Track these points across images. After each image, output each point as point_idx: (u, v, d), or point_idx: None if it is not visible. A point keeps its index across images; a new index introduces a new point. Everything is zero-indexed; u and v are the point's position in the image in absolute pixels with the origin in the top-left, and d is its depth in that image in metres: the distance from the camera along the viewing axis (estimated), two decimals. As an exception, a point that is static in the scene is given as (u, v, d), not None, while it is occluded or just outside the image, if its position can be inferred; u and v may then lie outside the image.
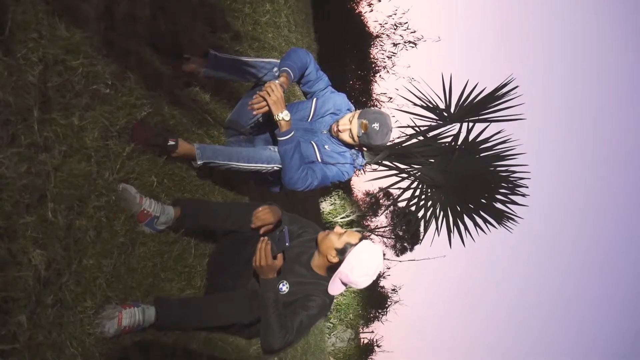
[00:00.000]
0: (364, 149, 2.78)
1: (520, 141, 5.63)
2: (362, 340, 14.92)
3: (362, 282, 2.29)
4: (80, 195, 1.66)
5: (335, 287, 2.29)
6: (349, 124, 2.52)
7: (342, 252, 2.21)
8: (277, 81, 2.30)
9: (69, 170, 1.59)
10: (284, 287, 2.25)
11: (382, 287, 14.71)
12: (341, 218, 10.60)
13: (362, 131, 2.48)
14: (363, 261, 2.21)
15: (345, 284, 2.30)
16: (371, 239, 2.51)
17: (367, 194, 12.90)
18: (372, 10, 12.58)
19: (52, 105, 1.53)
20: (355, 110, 2.65)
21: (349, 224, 10.89)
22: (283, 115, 2.28)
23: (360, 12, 12.13)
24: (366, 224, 13.02)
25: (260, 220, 2.26)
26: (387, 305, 13.70)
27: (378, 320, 14.01)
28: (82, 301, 1.66)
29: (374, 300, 12.97)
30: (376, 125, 2.47)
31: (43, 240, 1.46)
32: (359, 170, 2.88)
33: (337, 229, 2.30)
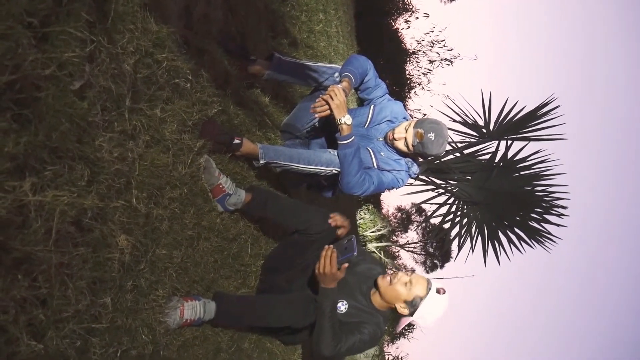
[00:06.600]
0: (419, 158, 2.78)
1: (560, 161, 5.57)
2: (387, 356, 14.74)
3: (433, 325, 2.36)
4: (159, 185, 1.69)
5: (400, 326, 2.41)
6: (405, 133, 2.51)
7: (412, 305, 2.23)
8: (339, 85, 2.31)
9: (151, 159, 1.63)
10: (343, 307, 2.25)
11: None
12: (371, 232, 10.55)
13: (417, 140, 2.46)
14: (433, 311, 2.25)
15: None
16: (435, 284, 2.51)
17: (399, 209, 12.79)
18: (408, 27, 12.64)
19: (140, 96, 1.58)
20: (412, 119, 2.65)
21: (379, 239, 10.85)
22: (345, 119, 2.29)
23: (397, 28, 12.18)
24: (395, 239, 12.93)
25: (339, 221, 2.28)
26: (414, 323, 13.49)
27: (404, 338, 13.82)
28: (155, 290, 1.68)
29: (401, 317, 12.80)
30: (432, 135, 2.46)
31: (128, 225, 1.49)
32: (413, 178, 2.87)
33: (402, 276, 2.27)
